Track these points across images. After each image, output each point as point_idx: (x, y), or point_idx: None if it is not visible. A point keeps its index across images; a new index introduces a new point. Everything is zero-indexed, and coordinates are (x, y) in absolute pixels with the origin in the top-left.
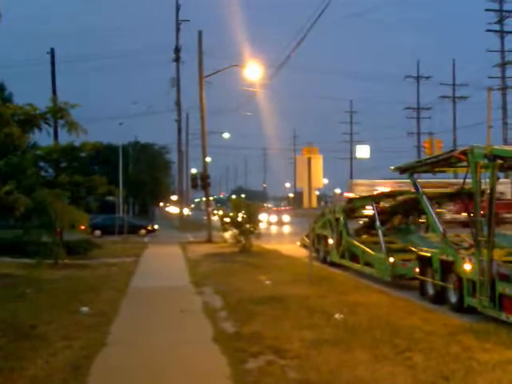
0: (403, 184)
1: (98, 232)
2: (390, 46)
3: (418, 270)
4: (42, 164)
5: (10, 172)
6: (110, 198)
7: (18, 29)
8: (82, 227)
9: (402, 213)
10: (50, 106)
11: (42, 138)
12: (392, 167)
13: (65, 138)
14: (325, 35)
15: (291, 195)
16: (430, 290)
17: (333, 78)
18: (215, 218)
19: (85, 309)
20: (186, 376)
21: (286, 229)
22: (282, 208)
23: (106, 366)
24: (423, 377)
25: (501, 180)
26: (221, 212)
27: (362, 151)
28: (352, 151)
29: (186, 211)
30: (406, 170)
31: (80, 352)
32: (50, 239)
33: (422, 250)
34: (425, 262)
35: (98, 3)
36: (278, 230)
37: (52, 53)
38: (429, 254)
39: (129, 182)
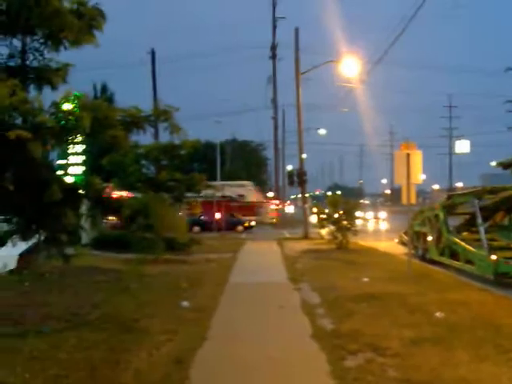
0: None
1: (196, 228)
2: (494, 39)
3: None
4: (143, 162)
5: (112, 170)
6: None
7: (118, 29)
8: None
9: (504, 209)
10: (154, 109)
11: (143, 136)
12: (494, 162)
13: (165, 137)
14: (425, 28)
15: (388, 191)
16: None
17: (432, 72)
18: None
19: (185, 303)
20: (284, 372)
21: (383, 225)
22: (384, 205)
23: (207, 359)
24: None
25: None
26: (315, 209)
27: (462, 146)
28: (450, 146)
29: (291, 209)
30: (509, 166)
31: (181, 345)
32: (152, 236)
33: None
34: None
35: (193, 2)
36: (375, 226)
37: (152, 53)
38: None
39: (226, 179)
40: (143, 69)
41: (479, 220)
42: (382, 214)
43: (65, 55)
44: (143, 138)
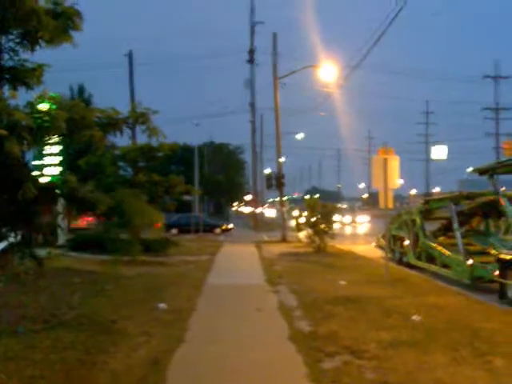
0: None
1: (174, 230)
2: (470, 46)
3: (497, 272)
4: (120, 164)
5: (90, 171)
6: (187, 198)
7: (95, 32)
8: (158, 225)
9: (480, 215)
10: (132, 111)
11: (121, 138)
12: (470, 169)
13: (143, 138)
14: (402, 35)
15: (366, 196)
16: (510, 293)
17: (409, 78)
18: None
19: (162, 305)
20: (262, 374)
21: (361, 229)
22: (362, 209)
23: (185, 361)
24: (504, 381)
25: None
26: (297, 212)
27: (439, 152)
28: (427, 152)
29: (273, 212)
30: (485, 172)
31: (159, 347)
32: (128, 237)
33: (501, 253)
34: (505, 265)
35: (172, 7)
36: (352, 230)
37: (130, 55)
38: (509, 257)
39: (204, 182)
40: (122, 71)
41: (456, 225)
42: (365, 218)
43: (49, 58)
44: (121, 140)
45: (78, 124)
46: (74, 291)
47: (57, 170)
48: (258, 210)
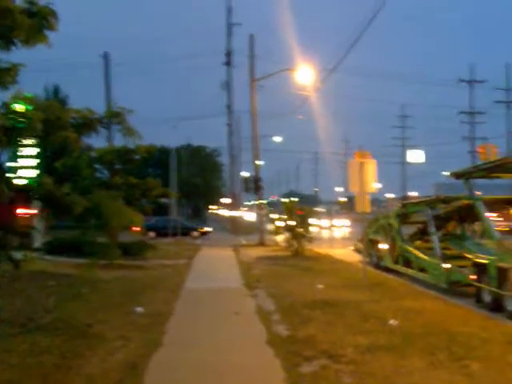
0: None
1: (151, 234)
2: (447, 50)
3: (473, 276)
4: (97, 166)
5: (66, 173)
6: (164, 201)
7: (71, 33)
8: (137, 229)
9: (456, 219)
10: (108, 111)
11: (97, 140)
12: (447, 172)
13: (120, 141)
14: (380, 38)
15: (343, 199)
16: (487, 298)
17: (387, 81)
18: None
19: (139, 309)
20: (240, 378)
21: (339, 233)
22: (339, 212)
23: (162, 365)
24: None
25: None
26: (276, 215)
27: (415, 156)
28: (404, 156)
29: (254, 215)
30: (461, 176)
31: (135, 351)
32: (106, 240)
33: (478, 257)
34: (481, 269)
35: (150, 8)
36: (330, 234)
37: (106, 56)
38: (485, 261)
39: (181, 185)
40: (98, 72)
41: (432, 229)
42: (345, 222)
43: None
44: (97, 142)
45: (54, 125)
46: (50, 294)
47: (33, 173)
48: (236, 213)
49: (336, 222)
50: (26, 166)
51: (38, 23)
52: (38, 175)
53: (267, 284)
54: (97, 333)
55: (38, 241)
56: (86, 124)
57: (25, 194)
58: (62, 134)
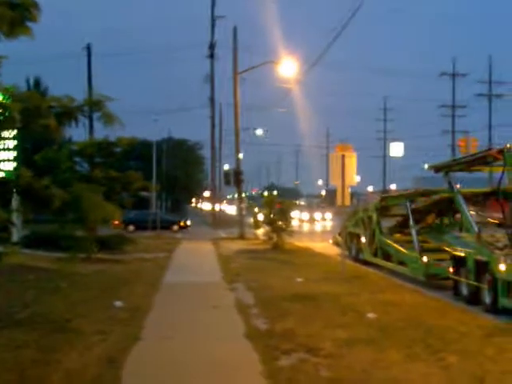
0: None
1: (131, 227)
2: (429, 43)
3: (452, 269)
4: (77, 159)
5: (46, 166)
6: (144, 194)
7: (52, 25)
8: (116, 222)
9: (435, 212)
10: (87, 98)
11: (78, 133)
12: (427, 166)
13: (101, 134)
14: (362, 31)
15: (324, 193)
16: (464, 291)
17: (369, 74)
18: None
19: (119, 303)
20: (218, 372)
21: (319, 226)
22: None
23: (140, 359)
24: (457, 378)
25: None
26: (256, 209)
27: (396, 149)
28: (385, 149)
29: (234, 208)
30: (441, 169)
31: (114, 346)
32: (84, 234)
33: (456, 250)
34: (459, 262)
35: (134, 1)
36: (310, 227)
37: (88, 48)
38: (463, 254)
39: (162, 178)
40: (81, 64)
41: (411, 222)
42: (327, 215)
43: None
44: (78, 135)
45: (33, 113)
46: (28, 289)
47: (11, 166)
48: (217, 207)
49: (317, 215)
50: (3, 159)
51: (21, 15)
52: (16, 168)
53: (246, 277)
54: (75, 327)
55: (16, 235)
56: (66, 113)
57: (3, 188)
58: (42, 122)
